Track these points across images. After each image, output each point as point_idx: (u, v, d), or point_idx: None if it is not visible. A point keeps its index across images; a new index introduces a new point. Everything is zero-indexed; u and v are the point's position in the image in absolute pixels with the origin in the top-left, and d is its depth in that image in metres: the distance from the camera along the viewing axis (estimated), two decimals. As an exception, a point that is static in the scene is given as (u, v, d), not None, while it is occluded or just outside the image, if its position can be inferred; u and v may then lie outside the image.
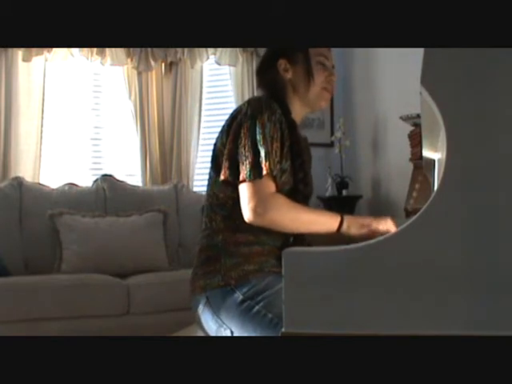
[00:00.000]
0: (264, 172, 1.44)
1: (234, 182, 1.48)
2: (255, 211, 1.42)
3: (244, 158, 1.46)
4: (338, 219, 1.46)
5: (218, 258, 1.50)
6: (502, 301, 1.01)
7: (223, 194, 1.54)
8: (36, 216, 3.33)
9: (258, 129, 1.47)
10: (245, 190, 1.45)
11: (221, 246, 1.52)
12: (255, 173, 1.44)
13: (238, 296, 1.44)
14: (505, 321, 1.00)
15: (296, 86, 1.63)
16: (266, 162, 1.44)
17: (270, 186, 1.46)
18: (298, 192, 1.55)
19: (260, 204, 1.42)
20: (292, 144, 1.54)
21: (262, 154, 1.45)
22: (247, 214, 1.44)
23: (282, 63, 1.64)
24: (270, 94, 1.63)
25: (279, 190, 1.48)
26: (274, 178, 1.47)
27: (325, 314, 1.07)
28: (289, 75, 1.64)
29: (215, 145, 1.59)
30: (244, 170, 1.45)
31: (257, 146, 1.46)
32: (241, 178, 1.45)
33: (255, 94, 3.65)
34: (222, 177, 1.49)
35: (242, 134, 1.48)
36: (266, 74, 1.68)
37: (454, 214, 1.04)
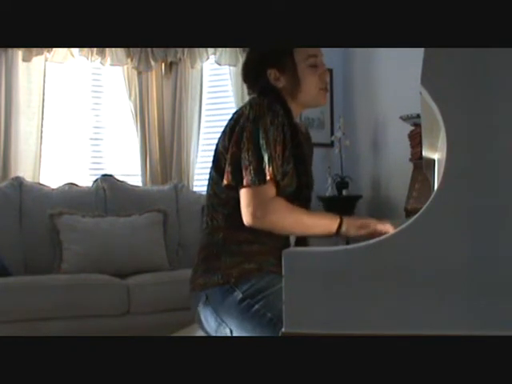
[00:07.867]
0: (267, 177, 1.44)
1: (236, 187, 1.48)
2: (254, 215, 1.43)
3: (248, 163, 1.45)
4: (337, 221, 1.47)
5: (218, 256, 1.51)
6: (502, 301, 1.01)
7: (225, 194, 1.54)
8: (36, 216, 3.32)
9: (260, 133, 1.46)
10: (246, 195, 1.45)
11: (221, 243, 1.53)
12: (259, 178, 1.44)
13: (238, 294, 1.44)
14: (505, 321, 1.00)
15: (291, 92, 1.62)
16: (269, 167, 1.44)
17: (271, 191, 1.46)
18: (302, 195, 1.57)
19: (259, 208, 1.43)
20: (294, 148, 1.54)
21: (266, 159, 1.45)
22: (247, 218, 1.45)
23: (272, 73, 1.62)
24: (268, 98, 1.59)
25: (281, 192, 1.49)
26: (277, 183, 1.47)
27: (325, 314, 1.07)
28: (281, 84, 1.62)
29: (217, 145, 1.58)
30: (248, 176, 1.44)
31: (260, 150, 1.46)
32: (244, 183, 1.45)
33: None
34: (224, 181, 1.49)
35: (245, 139, 1.48)
36: (257, 82, 1.66)
37: (454, 214, 1.04)
